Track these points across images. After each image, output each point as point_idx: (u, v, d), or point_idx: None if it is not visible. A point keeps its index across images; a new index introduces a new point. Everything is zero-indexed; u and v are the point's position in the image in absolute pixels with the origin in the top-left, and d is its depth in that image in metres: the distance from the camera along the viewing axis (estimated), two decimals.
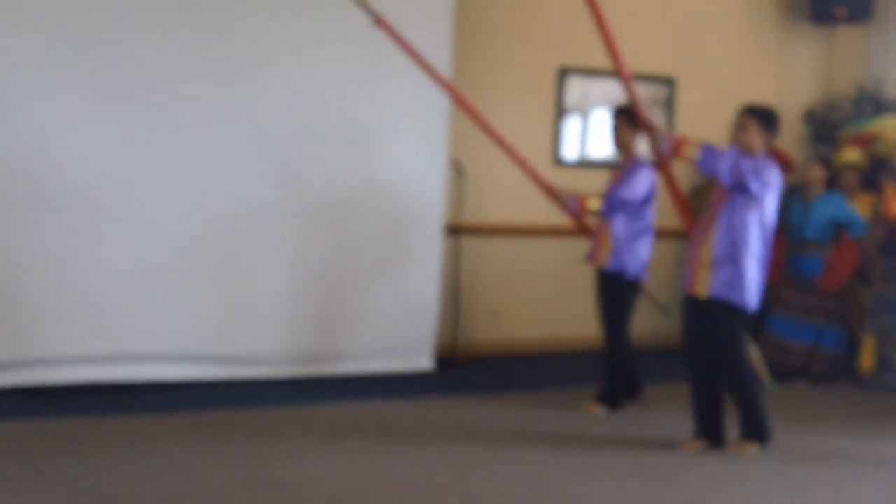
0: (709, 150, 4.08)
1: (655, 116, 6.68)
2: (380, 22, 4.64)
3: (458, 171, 5.96)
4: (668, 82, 7.16)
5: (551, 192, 4.99)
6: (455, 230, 6.05)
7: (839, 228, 5.92)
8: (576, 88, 6.80)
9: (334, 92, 5.47)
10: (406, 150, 5.67)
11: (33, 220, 4.81)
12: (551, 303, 6.60)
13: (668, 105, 7.19)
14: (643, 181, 4.82)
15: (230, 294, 5.32)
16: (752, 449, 4.25)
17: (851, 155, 6.61)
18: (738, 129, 4.25)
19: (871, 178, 6.47)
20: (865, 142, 6.60)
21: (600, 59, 6.83)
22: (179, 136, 5.10)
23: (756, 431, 4.26)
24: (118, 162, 4.96)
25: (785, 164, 6.52)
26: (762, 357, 5.58)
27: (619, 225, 4.85)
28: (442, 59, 5.64)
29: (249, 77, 5.25)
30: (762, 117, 4.24)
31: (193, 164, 5.14)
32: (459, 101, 4.99)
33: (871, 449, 4.46)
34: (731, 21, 7.43)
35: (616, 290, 4.91)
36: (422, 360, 5.83)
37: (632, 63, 6.87)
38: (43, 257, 4.83)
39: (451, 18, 5.77)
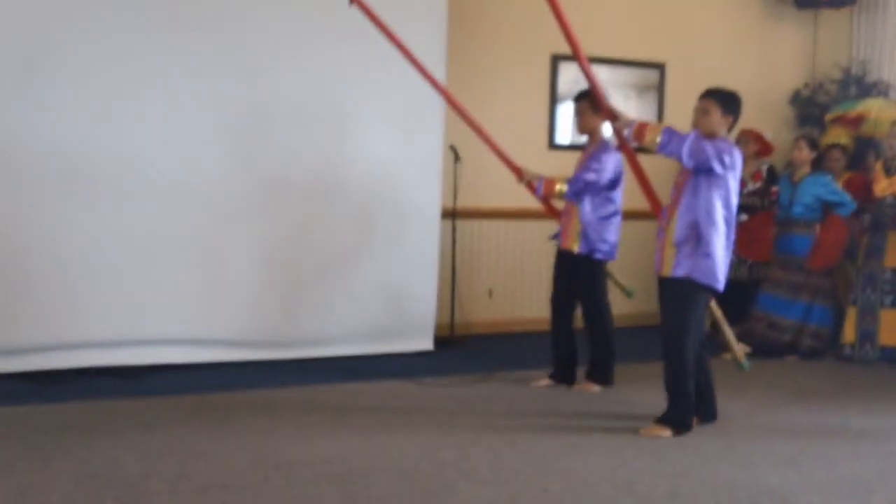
0: (670, 134, 4.08)
1: (618, 100, 6.76)
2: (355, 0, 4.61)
3: (454, 156, 6.06)
4: (658, 67, 7.28)
5: (519, 174, 5.03)
6: (451, 214, 6.16)
7: (826, 207, 6.04)
8: (568, 75, 6.91)
9: (332, 77, 5.52)
10: (404, 137, 5.75)
11: (31, 207, 4.88)
12: (546, 283, 6.72)
13: (659, 90, 7.31)
14: (609, 164, 4.85)
15: (229, 278, 5.39)
16: (666, 434, 4.14)
17: (837, 136, 6.76)
18: (700, 113, 4.23)
19: (856, 158, 6.62)
20: (852, 123, 6.73)
21: (591, 46, 6.96)
22: (170, 125, 5.15)
23: (676, 418, 4.19)
24: (107, 147, 5.01)
25: (763, 147, 6.70)
26: (737, 336, 5.73)
27: (588, 208, 4.89)
28: (437, 49, 5.74)
29: (239, 65, 5.30)
30: (723, 100, 4.21)
31: (183, 151, 5.20)
32: (428, 78, 4.99)
33: (860, 422, 4.54)
34: (719, 7, 7.55)
35: (587, 272, 4.97)
36: (422, 342, 5.95)
37: (623, 49, 7.09)
38: (41, 245, 4.91)
39: (445, 7, 5.85)
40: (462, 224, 6.34)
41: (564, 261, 5.07)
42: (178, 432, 4.04)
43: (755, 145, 6.72)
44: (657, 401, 4.35)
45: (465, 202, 6.27)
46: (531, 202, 5.28)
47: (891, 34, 7.33)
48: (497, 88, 6.59)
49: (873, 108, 6.56)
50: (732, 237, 4.21)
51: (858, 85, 7.39)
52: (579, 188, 4.87)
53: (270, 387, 4.97)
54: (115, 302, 5.09)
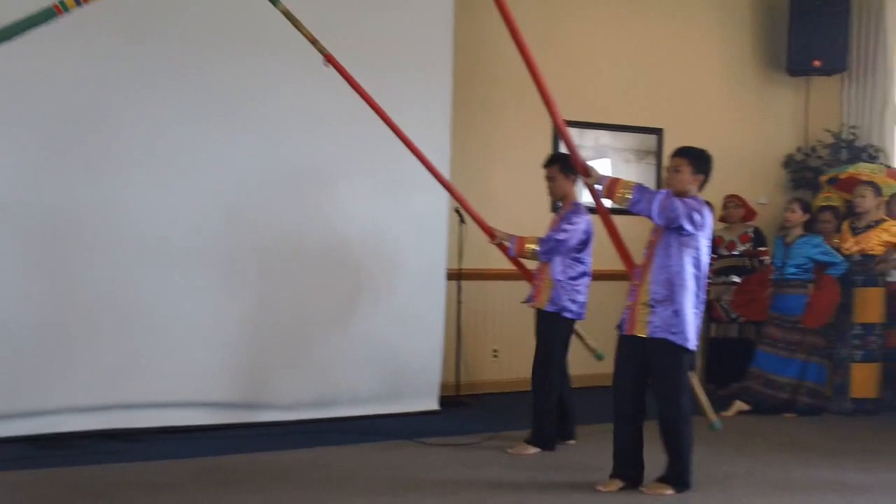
0: (641, 191, 4.07)
1: (617, 164, 6.93)
2: (329, 59, 4.63)
3: (459, 217, 6.21)
4: (657, 132, 7.53)
5: (491, 234, 5.12)
6: (457, 275, 6.31)
7: (819, 267, 6.20)
8: None
9: (332, 139, 5.63)
10: (407, 200, 5.88)
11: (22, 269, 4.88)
12: None
13: (657, 154, 7.55)
14: (580, 225, 4.90)
15: (230, 340, 5.44)
16: (668, 492, 4.15)
17: (829, 198, 6.97)
18: (671, 171, 4.26)
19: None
20: (848, 186, 6.90)
21: (592, 112, 7.27)
22: (166, 186, 5.19)
23: (677, 476, 4.18)
24: (94, 208, 5.04)
25: (748, 211, 6.92)
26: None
27: (559, 268, 4.93)
28: (441, 118, 5.96)
29: (241, 128, 5.38)
30: (694, 158, 4.24)
31: (180, 213, 5.25)
32: (398, 134, 4.93)
33: (855, 477, 4.61)
34: (714, 75, 7.83)
35: (553, 330, 4.98)
36: (428, 402, 6.03)
37: (623, 116, 7.34)
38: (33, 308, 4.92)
39: (450, 77, 6.06)
40: (468, 285, 6.48)
41: (537, 319, 5.08)
42: (182, 499, 4.04)
43: (742, 209, 6.96)
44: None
45: (470, 264, 6.41)
46: (533, 264, 5.41)
47: (879, 100, 7.60)
48: (501, 155, 6.82)
49: (863, 172, 6.77)
50: (703, 296, 4.21)
51: (849, 149, 7.63)
52: (550, 247, 4.93)
53: (276, 450, 4.95)
54: (111, 364, 5.08)
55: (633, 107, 7.43)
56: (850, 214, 6.73)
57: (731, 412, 6.22)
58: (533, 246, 5.00)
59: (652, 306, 4.14)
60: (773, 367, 6.27)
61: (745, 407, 6.26)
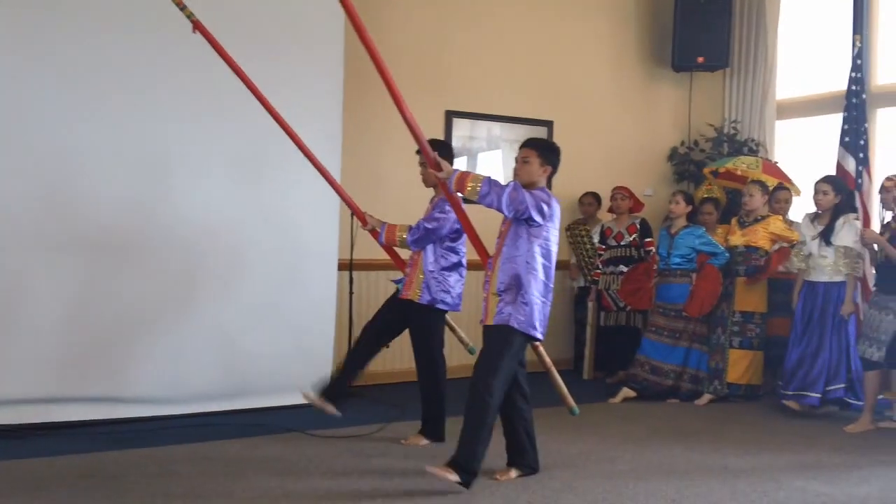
0: (490, 184, 4.08)
1: (508, 155, 7.01)
2: (197, 25, 4.45)
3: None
4: (547, 125, 7.63)
5: (363, 220, 5.04)
6: (349, 265, 6.23)
7: (702, 258, 6.41)
8: (462, 130, 7.18)
9: (231, 127, 5.52)
10: (299, 189, 5.76)
11: None
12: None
13: None
14: (451, 214, 4.71)
15: (122, 333, 5.31)
16: (452, 477, 4.03)
17: (710, 190, 7.21)
18: (520, 162, 4.28)
19: (729, 211, 7.06)
20: (737, 179, 7.14)
21: (485, 104, 7.31)
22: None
23: (466, 463, 4.07)
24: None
25: (635, 203, 7.12)
26: (622, 381, 5.93)
27: (431, 258, 4.85)
28: (333, 103, 5.87)
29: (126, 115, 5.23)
30: (542, 150, 4.29)
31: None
32: (277, 119, 4.80)
33: (737, 462, 4.77)
34: (602, 70, 7.99)
35: (427, 323, 4.92)
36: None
37: (514, 108, 7.40)
38: None
39: (342, 62, 5.98)
40: (360, 276, 6.41)
41: (403, 308, 4.97)
42: (68, 496, 3.93)
43: (629, 201, 7.14)
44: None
45: (362, 254, 6.35)
46: (408, 254, 5.35)
47: (759, 96, 7.88)
48: (393, 142, 6.76)
49: (742, 165, 7.03)
50: (552, 286, 4.24)
51: (730, 143, 7.91)
52: (419, 236, 4.81)
53: (163, 444, 4.85)
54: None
55: (524, 99, 7.51)
56: (732, 207, 6.98)
57: (618, 399, 6.38)
58: (404, 234, 4.89)
59: (499, 295, 4.17)
60: (658, 355, 6.45)
61: (631, 394, 6.42)
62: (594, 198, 7.52)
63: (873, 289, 5.69)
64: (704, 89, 8.32)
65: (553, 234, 4.22)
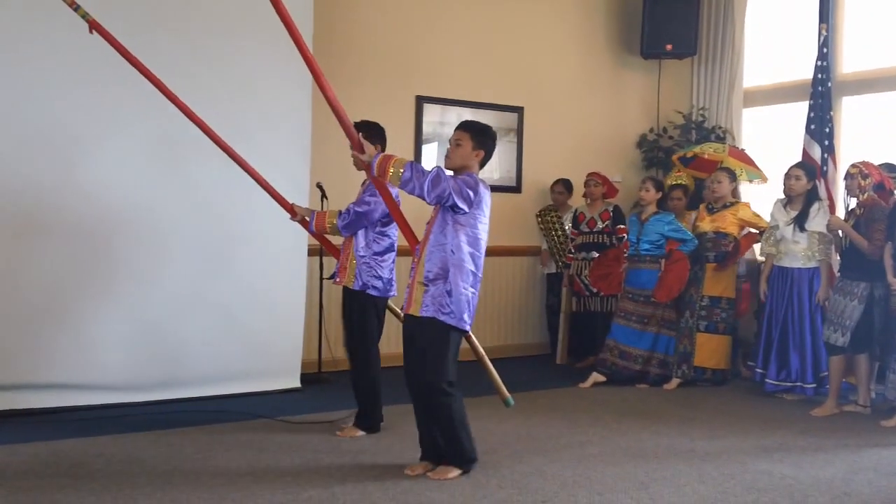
0: (412, 169, 3.89)
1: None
2: (94, 25, 4.24)
3: (321, 193, 6.09)
4: (517, 111, 7.64)
5: (291, 210, 4.90)
6: (318, 252, 6.22)
7: (671, 244, 6.46)
8: (433, 116, 7.16)
9: (202, 108, 5.36)
10: (269, 172, 5.64)
11: None
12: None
13: (518, 132, 7.66)
14: (379, 198, 4.57)
15: (80, 318, 5.27)
16: (453, 474, 4.07)
17: (679, 177, 7.26)
18: (453, 145, 4.11)
19: (697, 197, 7.12)
20: (698, 166, 7.20)
21: (456, 90, 7.30)
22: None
23: (458, 456, 4.09)
24: None
25: (609, 189, 7.17)
26: (592, 366, 5.92)
27: (362, 243, 4.75)
28: (302, 88, 5.79)
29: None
30: (476, 133, 4.11)
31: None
32: (191, 117, 4.65)
33: (704, 445, 4.82)
34: (572, 56, 8.00)
35: (360, 309, 4.80)
36: (289, 380, 5.97)
37: (485, 94, 7.40)
38: None
39: (310, 46, 5.90)
40: (329, 262, 6.38)
41: (343, 297, 4.92)
42: (32, 484, 3.88)
43: (602, 187, 7.16)
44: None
45: (332, 240, 6.32)
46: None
47: (727, 83, 7.94)
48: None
49: (709, 150, 7.08)
50: (480, 275, 4.09)
51: (698, 130, 7.97)
52: (350, 220, 4.69)
53: (128, 432, 4.80)
54: None
55: (494, 85, 7.51)
56: (699, 192, 7.03)
57: (587, 384, 6.43)
58: (334, 220, 4.76)
59: (426, 285, 4.02)
60: (627, 340, 6.50)
61: (601, 378, 6.47)
62: (565, 186, 7.53)
63: (838, 275, 5.76)
64: (673, 77, 8.37)
65: (482, 221, 4.04)
